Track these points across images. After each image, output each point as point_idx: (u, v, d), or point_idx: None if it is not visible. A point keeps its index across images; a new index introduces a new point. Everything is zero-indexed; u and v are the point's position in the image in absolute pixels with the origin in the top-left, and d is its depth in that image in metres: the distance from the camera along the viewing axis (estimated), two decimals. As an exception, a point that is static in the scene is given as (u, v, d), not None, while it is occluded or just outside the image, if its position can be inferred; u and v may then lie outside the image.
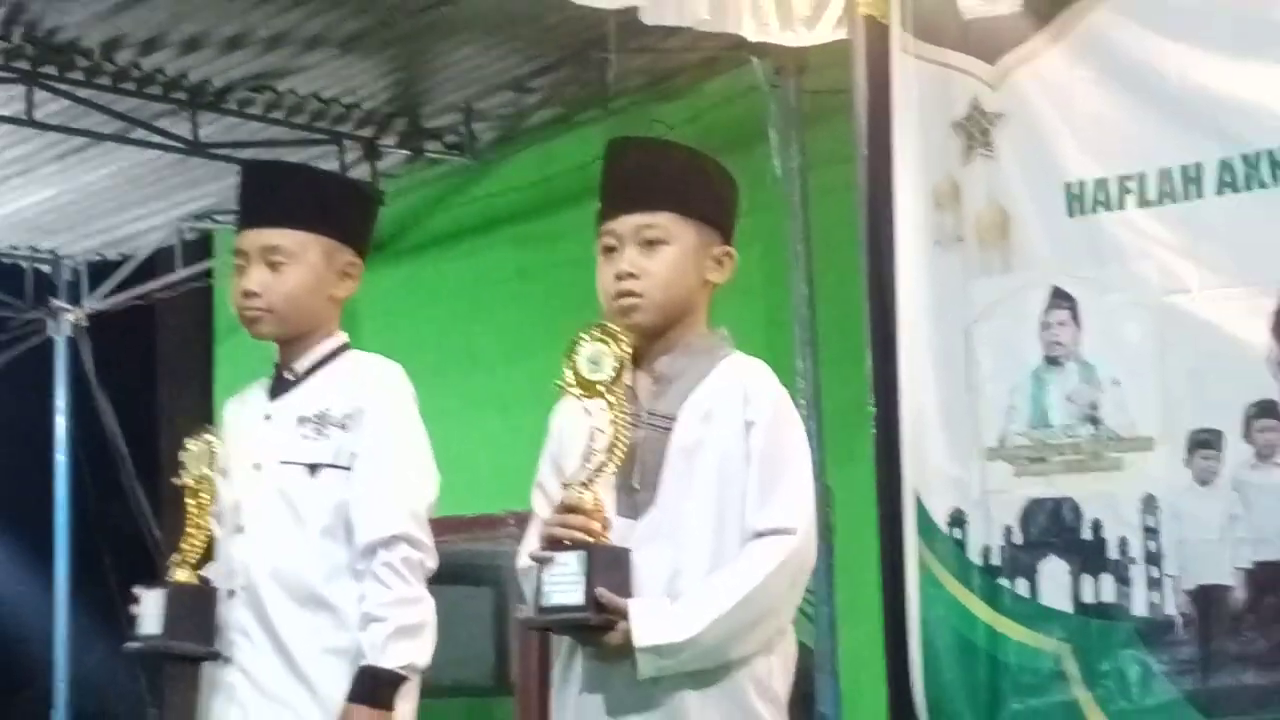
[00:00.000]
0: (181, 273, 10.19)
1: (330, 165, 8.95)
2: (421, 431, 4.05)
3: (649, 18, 6.36)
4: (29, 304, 10.33)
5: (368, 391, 3.98)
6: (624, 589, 3.30)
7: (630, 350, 3.44)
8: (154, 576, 10.16)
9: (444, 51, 8.10)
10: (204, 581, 4.04)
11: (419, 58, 8.18)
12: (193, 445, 4.05)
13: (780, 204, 7.27)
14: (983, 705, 6.44)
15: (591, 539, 3.32)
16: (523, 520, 8.86)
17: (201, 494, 3.99)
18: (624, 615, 3.26)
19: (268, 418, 4.05)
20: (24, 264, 10.23)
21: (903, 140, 6.82)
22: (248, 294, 4.03)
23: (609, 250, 3.51)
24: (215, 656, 3.94)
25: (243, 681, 3.90)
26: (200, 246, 10.31)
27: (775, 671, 3.43)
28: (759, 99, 7.25)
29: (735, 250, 3.60)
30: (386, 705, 3.78)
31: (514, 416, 8.91)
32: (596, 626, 3.29)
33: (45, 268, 10.31)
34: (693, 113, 7.92)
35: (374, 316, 9.70)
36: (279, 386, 4.10)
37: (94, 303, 10.36)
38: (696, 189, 3.58)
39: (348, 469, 3.91)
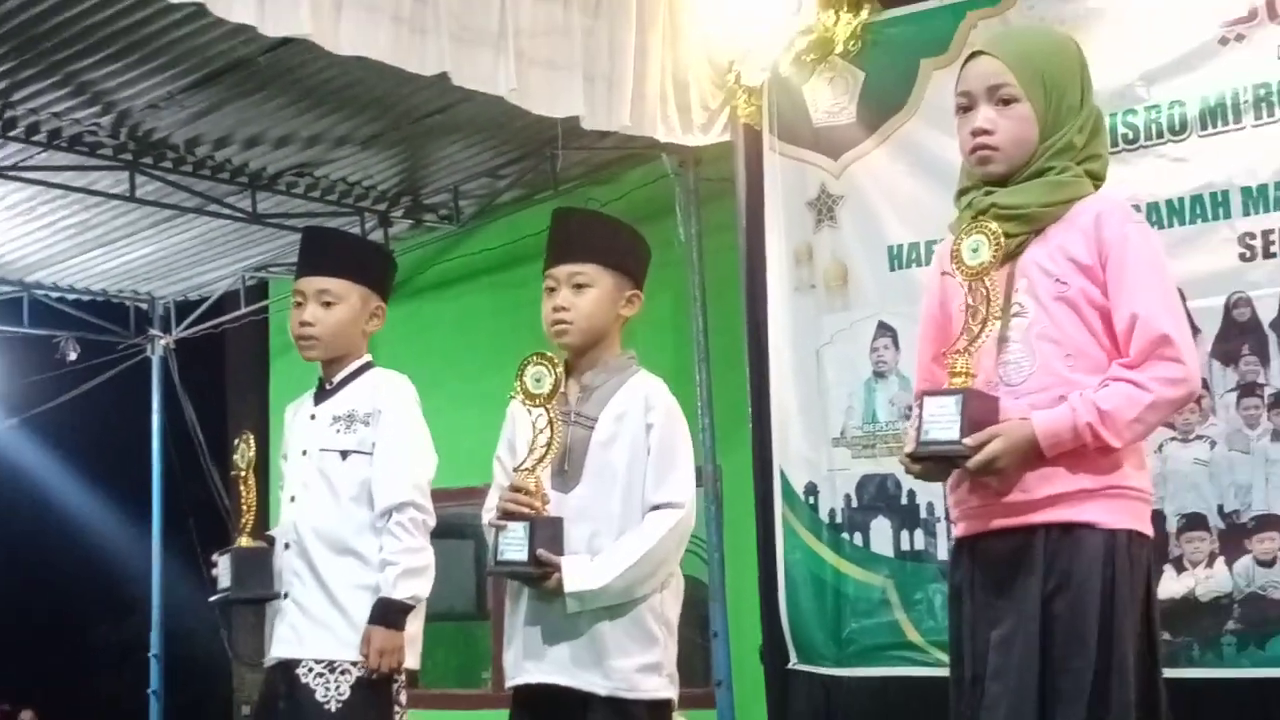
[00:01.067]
0: (244, 310, 10.22)
1: (354, 231, 8.90)
2: (423, 425, 4.09)
3: (587, 124, 6.58)
4: (132, 332, 10.33)
5: (384, 396, 4.03)
6: (557, 548, 3.36)
7: (562, 371, 3.47)
8: (223, 537, 10.29)
9: (438, 148, 8.21)
10: (267, 541, 4.12)
11: (419, 152, 8.29)
12: (238, 447, 4.24)
13: (684, 261, 7.38)
14: (829, 625, 6.61)
15: (533, 513, 3.38)
16: (491, 493, 9.09)
17: (248, 481, 4.16)
18: (557, 568, 3.33)
19: (313, 417, 4.09)
20: (128, 303, 10.24)
21: (771, 215, 7.05)
22: (304, 324, 4.07)
23: (550, 290, 3.55)
24: (275, 598, 4.01)
25: (295, 611, 3.94)
26: (258, 291, 10.30)
27: (667, 602, 3.48)
28: (667, 184, 7.39)
29: (643, 293, 3.63)
30: (399, 627, 3.86)
31: (489, 413, 8.83)
32: (537, 577, 3.37)
33: (144, 305, 10.30)
34: (619, 193, 7.91)
35: (387, 342, 9.94)
36: (321, 394, 4.12)
37: (179, 332, 10.37)
38: (614, 247, 3.61)
39: (370, 454, 3.95)
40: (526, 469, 3.46)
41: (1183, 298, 5.08)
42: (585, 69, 6.49)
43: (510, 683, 3.53)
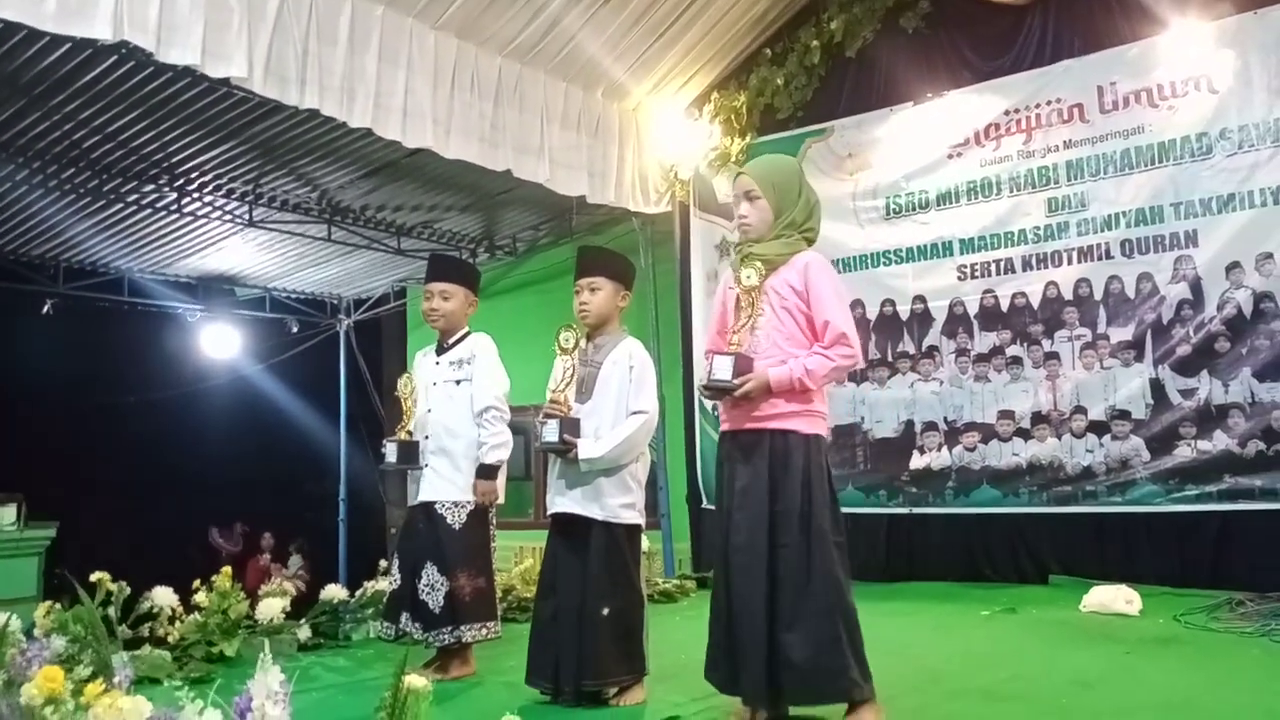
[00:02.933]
0: (392, 305, 10.43)
1: (456, 255, 9.23)
2: (499, 362, 4.00)
3: (590, 199, 6.76)
4: (328, 316, 10.56)
5: (476, 348, 3.97)
6: (575, 434, 3.34)
7: (581, 335, 3.48)
8: (381, 434, 10.23)
9: (504, 212, 8.37)
10: (411, 436, 3.98)
11: (493, 215, 8.46)
12: (400, 381, 4.06)
13: (645, 277, 7.23)
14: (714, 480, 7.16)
15: (562, 414, 3.37)
16: (539, 408, 9.37)
17: (406, 401, 4.01)
18: (574, 446, 3.31)
19: (436, 363, 4.01)
20: (326, 299, 10.48)
21: (694, 252, 7.23)
22: (433, 309, 3.98)
23: (577, 292, 3.48)
24: (419, 468, 3.91)
25: (432, 475, 3.89)
26: (400, 294, 10.38)
27: (639, 470, 3.42)
28: (634, 234, 7.39)
29: (631, 294, 3.56)
30: (492, 478, 3.85)
31: (533, 365, 8.83)
32: (563, 451, 3.34)
33: (335, 301, 10.54)
34: (608, 240, 7.66)
35: (476, 323, 10.23)
36: (441, 350, 4.01)
37: (355, 317, 10.58)
38: (613, 266, 3.53)
39: (471, 381, 3.90)
40: (559, 390, 3.43)
41: (863, 305, 5.18)
42: (589, 168, 6.66)
43: (549, 512, 3.47)
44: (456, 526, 3.82)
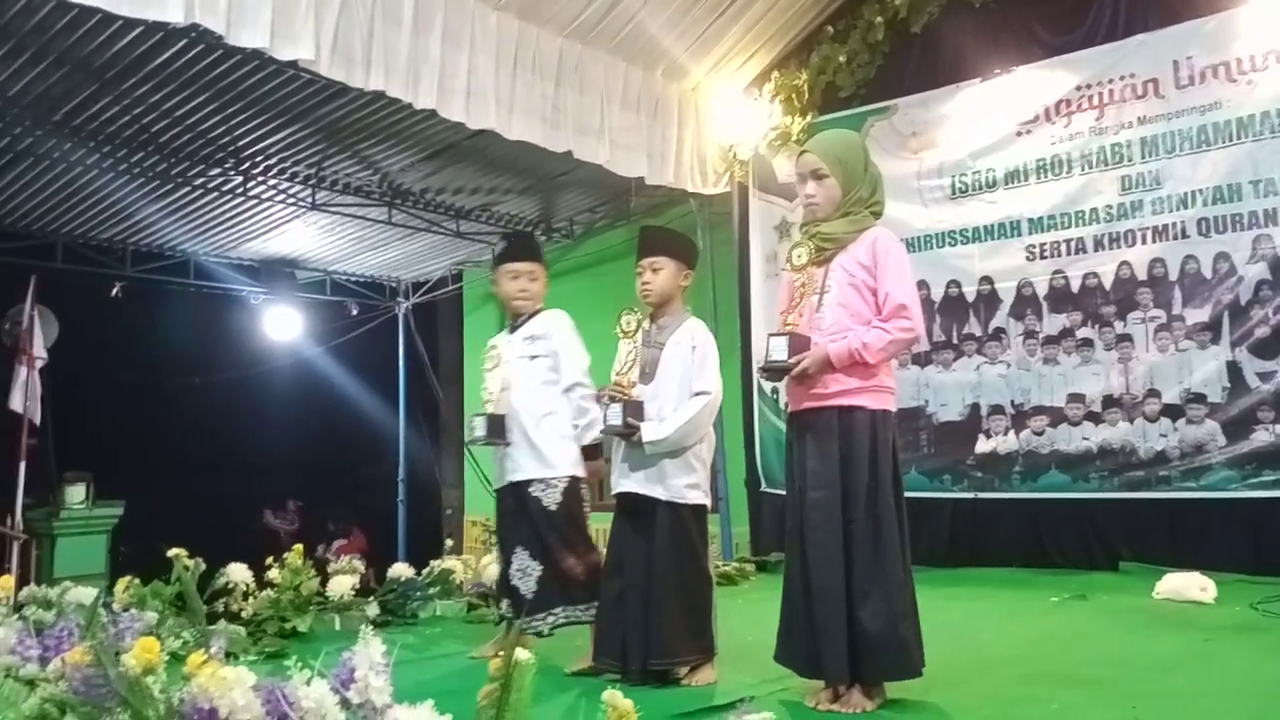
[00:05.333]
0: (450, 288, 10.52)
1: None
2: (578, 338, 3.89)
3: (649, 180, 6.77)
4: (387, 299, 10.63)
5: (551, 324, 3.85)
6: (639, 417, 3.34)
7: (644, 317, 3.47)
8: (437, 417, 11.07)
9: (561, 195, 8.38)
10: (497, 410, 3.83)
11: (551, 197, 8.47)
12: (487, 355, 3.94)
13: (704, 261, 7.20)
14: (776, 463, 7.12)
15: (625, 397, 3.37)
16: (599, 391, 9.28)
17: (488, 372, 3.89)
18: (638, 429, 3.31)
19: (510, 341, 3.91)
20: (385, 282, 10.54)
21: (753, 233, 7.22)
22: (522, 290, 3.87)
23: (639, 272, 3.47)
24: (506, 444, 3.80)
25: (518, 454, 3.76)
26: (457, 277, 10.44)
27: (703, 451, 3.39)
28: (692, 216, 7.41)
29: (693, 274, 3.54)
30: (598, 457, 3.77)
31: (595, 348, 9.19)
32: (627, 434, 3.34)
33: (394, 284, 10.60)
34: (665, 222, 7.69)
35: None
36: (515, 326, 3.91)
37: (414, 300, 10.66)
38: (675, 246, 3.51)
39: (547, 356, 3.77)
40: (622, 373, 3.43)
41: (928, 286, 5.21)
42: (648, 149, 6.68)
43: (613, 491, 3.47)
44: (552, 506, 3.70)
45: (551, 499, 3.71)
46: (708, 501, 3.41)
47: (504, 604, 3.74)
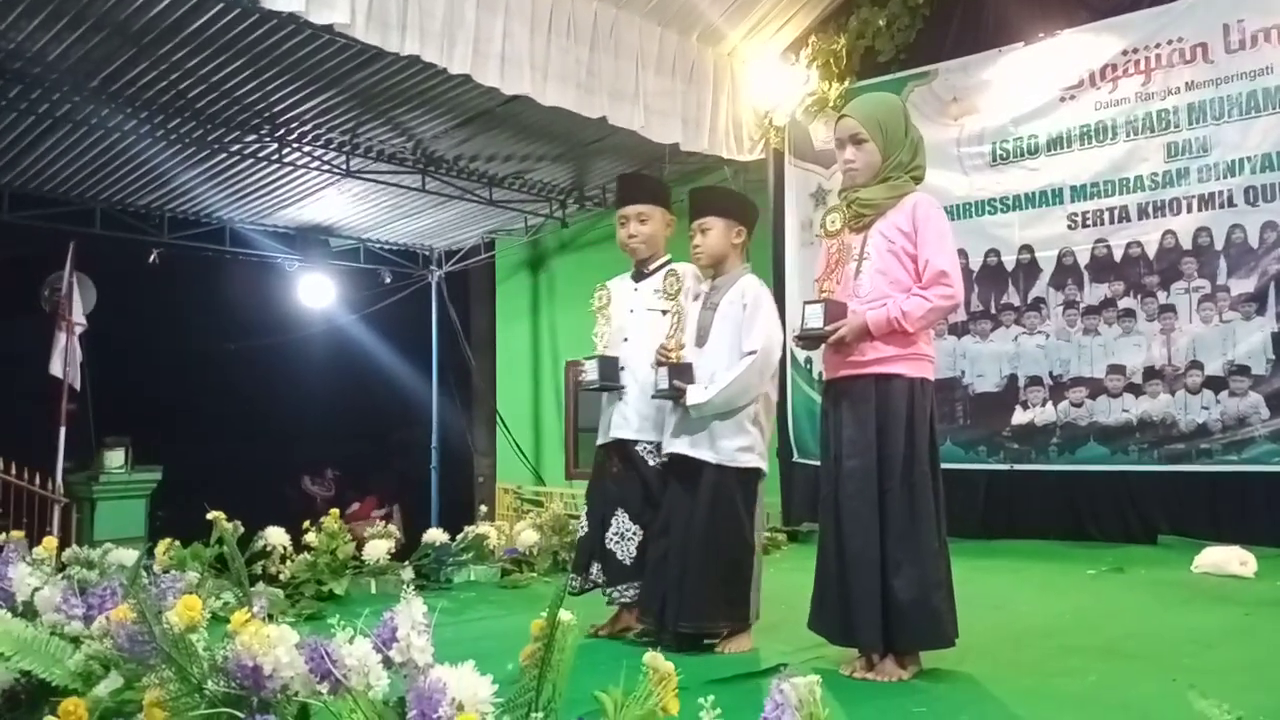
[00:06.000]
0: (483, 256, 10.57)
1: (545, 212, 9.18)
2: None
3: (683, 147, 6.75)
4: (420, 267, 10.71)
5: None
6: (687, 380, 3.28)
7: (692, 279, 3.44)
8: (470, 384, 11.12)
9: (595, 162, 8.39)
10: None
11: (585, 164, 8.48)
12: (597, 294, 3.65)
13: None
14: (808, 433, 7.11)
15: (671, 360, 3.32)
16: None
17: (603, 312, 3.61)
18: (683, 393, 3.26)
19: (635, 290, 3.65)
20: (418, 250, 10.62)
21: (788, 201, 7.18)
22: (631, 236, 3.63)
23: (691, 236, 3.41)
24: (620, 389, 3.55)
25: (630, 411, 3.52)
26: (490, 245, 10.48)
27: (760, 412, 3.32)
28: (727, 184, 7.11)
29: (748, 230, 3.42)
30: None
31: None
32: (673, 396, 3.30)
33: (427, 253, 10.68)
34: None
35: (565, 275, 10.06)
36: (639, 276, 3.67)
37: (446, 268, 10.74)
38: (723, 205, 3.45)
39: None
40: (669, 336, 3.39)
41: (966, 255, 5.14)
42: (683, 114, 6.66)
43: (664, 451, 3.41)
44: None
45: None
46: (763, 465, 3.34)
47: (594, 569, 3.52)
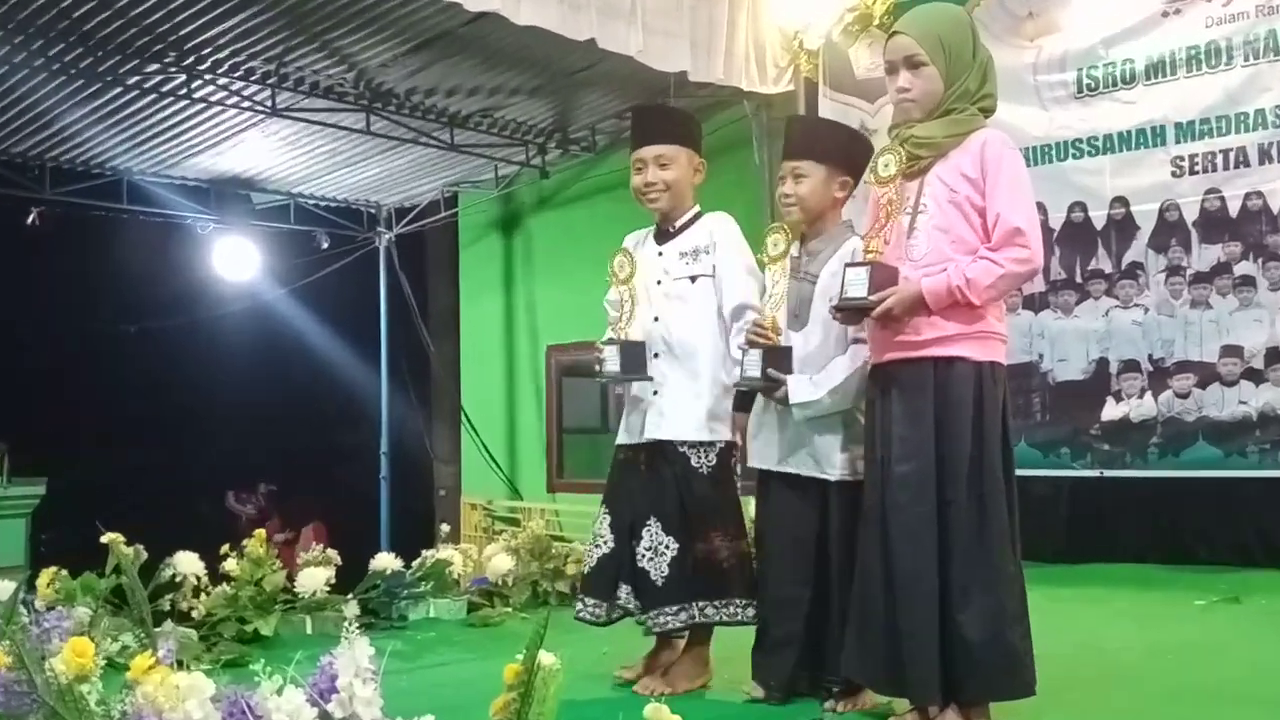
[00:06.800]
0: (442, 215, 10.59)
1: (519, 159, 9.28)
2: (748, 250, 3.56)
3: (692, 76, 6.79)
4: (365, 229, 10.78)
5: (716, 232, 3.55)
6: (786, 368, 3.23)
7: (792, 238, 3.33)
8: (428, 374, 11.15)
9: (581, 96, 8.40)
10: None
11: (569, 100, 8.50)
12: (616, 260, 3.61)
13: (757, 179, 7.57)
14: None
15: (768, 342, 3.27)
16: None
17: (631, 287, 3.54)
18: (784, 384, 3.21)
19: (660, 253, 3.60)
20: (362, 208, 10.68)
21: None
22: (648, 184, 3.56)
23: (781, 180, 3.36)
24: (648, 379, 3.53)
25: (665, 405, 3.51)
26: (451, 201, 10.53)
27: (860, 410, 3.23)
28: (746, 123, 7.50)
29: (854, 181, 3.33)
30: (746, 410, 3.51)
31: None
32: (766, 389, 3.27)
33: (373, 210, 10.74)
34: (710, 130, 7.86)
35: (544, 237, 10.16)
36: (663, 236, 3.63)
37: (398, 230, 10.80)
38: (828, 146, 3.38)
39: (712, 276, 3.52)
40: (768, 308, 3.34)
41: (1044, 210, 5.16)
42: (691, 36, 6.64)
43: (753, 464, 3.40)
44: (704, 471, 3.47)
45: (705, 463, 3.49)
46: None
47: (623, 592, 3.50)
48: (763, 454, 3.37)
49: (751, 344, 3.32)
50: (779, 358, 3.28)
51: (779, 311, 3.33)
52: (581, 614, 3.59)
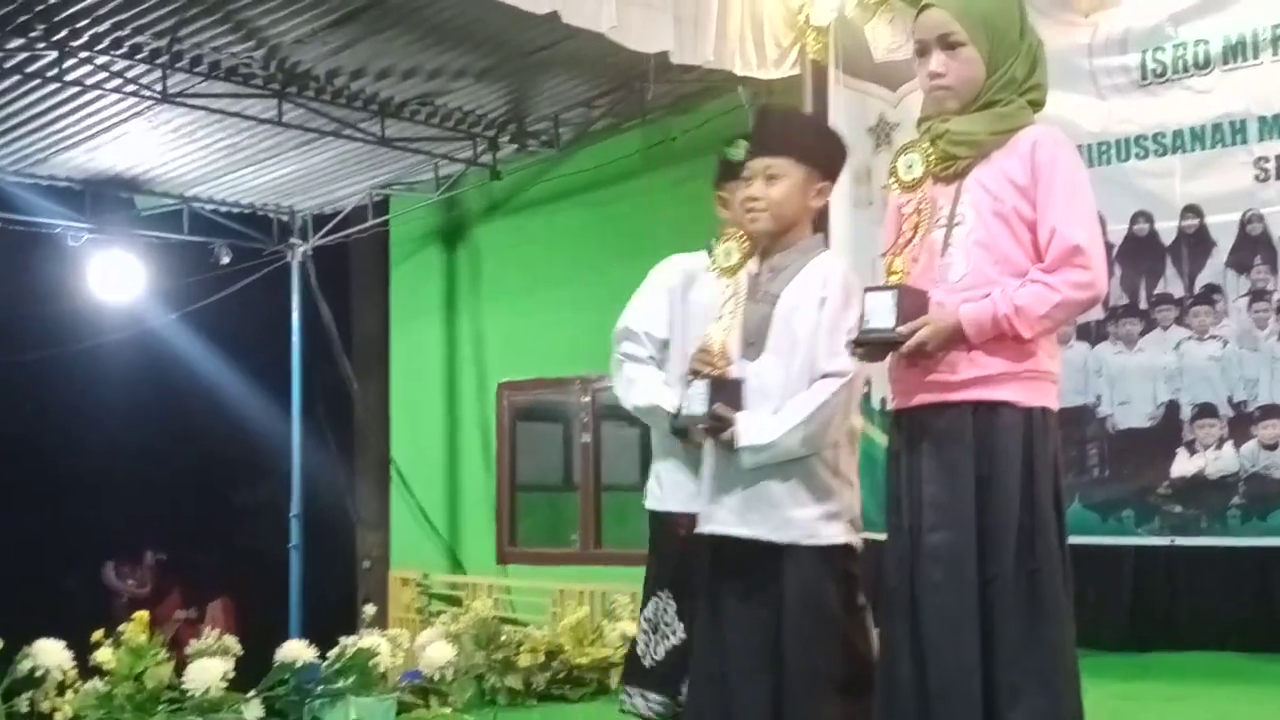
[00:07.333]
0: (370, 223, 10.63)
1: (465, 156, 9.36)
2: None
3: (675, 58, 6.73)
4: (275, 241, 10.75)
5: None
6: (736, 405, 3.26)
7: (745, 251, 3.39)
8: (350, 416, 11.04)
9: (541, 81, 8.42)
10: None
11: (525, 85, 8.51)
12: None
13: None
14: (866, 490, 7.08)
15: (715, 371, 3.30)
16: (586, 381, 9.37)
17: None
18: (733, 423, 3.24)
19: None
20: (273, 215, 10.67)
21: None
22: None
23: (746, 181, 3.40)
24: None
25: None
26: (381, 206, 10.58)
27: (841, 454, 3.35)
28: (742, 114, 7.37)
29: (831, 187, 3.44)
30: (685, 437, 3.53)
31: (577, 313, 8.99)
32: (714, 429, 3.28)
33: (285, 217, 10.73)
34: (699, 122, 8.17)
35: (495, 250, 10.18)
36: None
37: (315, 241, 10.81)
38: (807, 142, 3.44)
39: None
40: (712, 335, 3.39)
41: (1102, 220, 5.31)
42: (675, 9, 6.60)
43: (698, 529, 3.43)
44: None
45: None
46: (856, 539, 3.37)
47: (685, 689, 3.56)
48: (708, 515, 3.39)
49: (696, 374, 3.35)
50: (728, 391, 3.32)
51: (730, 336, 3.37)
52: (639, 708, 3.70)
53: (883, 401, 6.77)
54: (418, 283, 10.78)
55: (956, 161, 3.00)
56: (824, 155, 3.47)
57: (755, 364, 3.36)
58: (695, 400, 3.32)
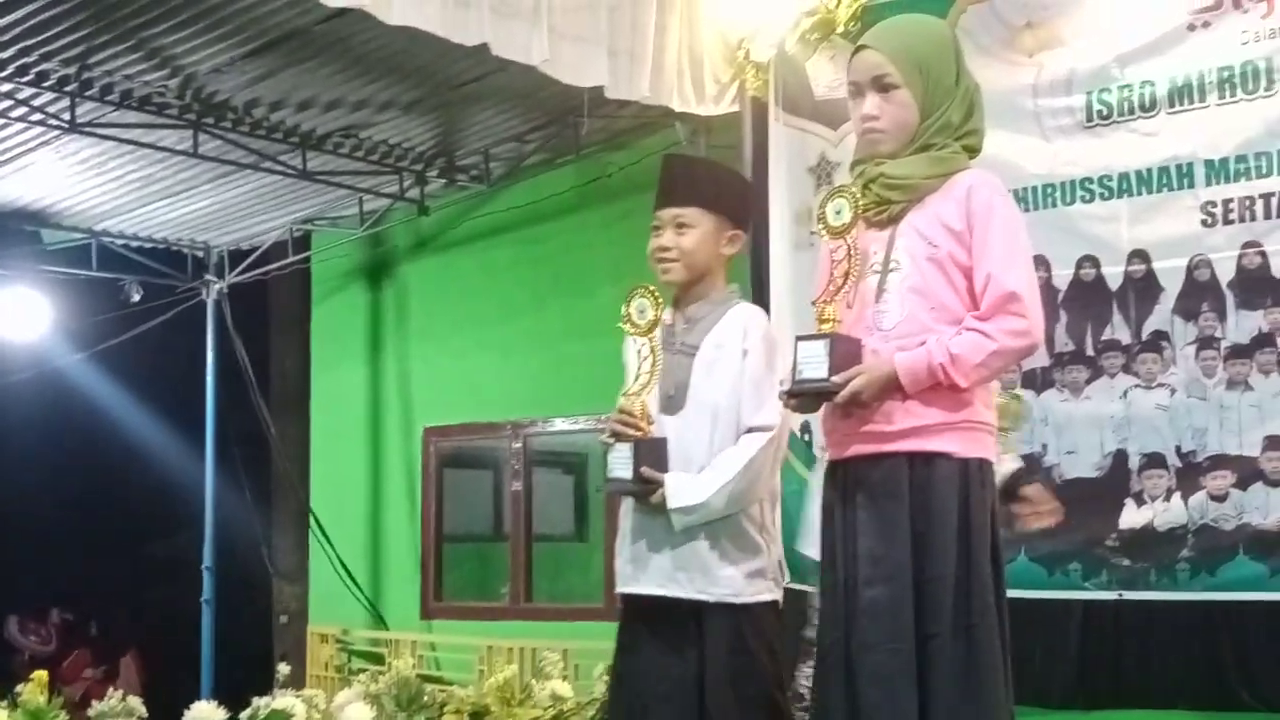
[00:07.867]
0: (290, 259, 10.54)
1: (391, 190, 9.37)
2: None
3: (610, 93, 6.80)
4: (189, 277, 10.66)
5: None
6: (661, 466, 3.35)
7: (661, 305, 3.47)
8: (268, 462, 10.88)
9: (471, 114, 8.42)
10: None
11: (455, 118, 8.51)
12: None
13: None
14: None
15: (638, 434, 3.38)
16: (517, 426, 9.30)
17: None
18: (661, 484, 3.32)
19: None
20: (186, 250, 10.58)
21: (774, 179, 7.21)
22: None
23: (656, 231, 3.52)
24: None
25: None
26: (303, 242, 10.52)
27: (766, 510, 3.46)
28: (680, 149, 7.25)
29: (744, 235, 3.60)
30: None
31: (508, 356, 9.13)
32: (641, 493, 3.37)
33: (200, 253, 10.64)
34: (635, 158, 8.16)
35: (422, 289, 10.18)
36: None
37: (231, 278, 10.70)
38: (716, 191, 3.55)
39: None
40: (632, 393, 3.45)
41: (1047, 265, 5.32)
42: (610, 43, 6.64)
43: (620, 589, 3.50)
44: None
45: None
46: (778, 595, 3.46)
47: None
48: (631, 575, 3.46)
49: (618, 436, 3.41)
50: (652, 452, 3.38)
51: (649, 395, 3.43)
52: None
53: (821, 449, 6.85)
54: (340, 323, 10.71)
55: (890, 206, 3.07)
56: (733, 203, 3.56)
57: (677, 419, 3.44)
58: (618, 464, 3.39)
